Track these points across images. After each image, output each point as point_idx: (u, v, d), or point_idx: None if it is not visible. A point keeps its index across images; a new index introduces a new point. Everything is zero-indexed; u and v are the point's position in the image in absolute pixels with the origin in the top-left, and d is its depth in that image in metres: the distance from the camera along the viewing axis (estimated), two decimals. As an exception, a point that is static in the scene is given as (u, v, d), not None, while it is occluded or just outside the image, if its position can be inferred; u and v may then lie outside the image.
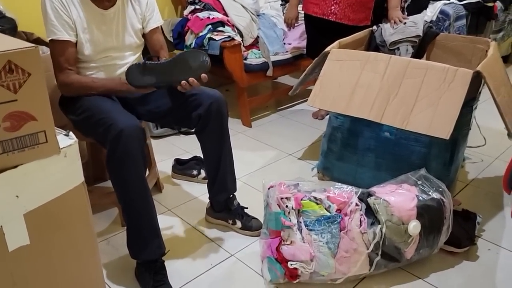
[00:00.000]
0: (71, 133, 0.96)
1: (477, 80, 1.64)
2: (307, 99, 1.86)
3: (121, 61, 1.61)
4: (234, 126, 2.71)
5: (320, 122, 2.76)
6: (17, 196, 0.84)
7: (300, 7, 2.64)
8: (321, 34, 2.40)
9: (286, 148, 2.46)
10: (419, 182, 1.59)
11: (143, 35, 1.68)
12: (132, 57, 1.65)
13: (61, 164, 0.91)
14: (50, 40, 1.47)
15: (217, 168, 1.65)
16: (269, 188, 1.53)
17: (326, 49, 1.93)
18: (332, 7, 2.35)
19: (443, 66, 1.64)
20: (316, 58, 1.97)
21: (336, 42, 2.01)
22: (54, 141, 0.88)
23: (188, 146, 2.39)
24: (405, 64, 1.72)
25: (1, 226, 0.82)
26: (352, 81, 1.79)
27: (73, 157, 0.94)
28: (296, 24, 3.12)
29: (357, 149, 1.94)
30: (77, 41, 1.50)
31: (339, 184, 1.54)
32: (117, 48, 1.59)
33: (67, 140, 0.94)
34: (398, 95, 1.69)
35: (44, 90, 0.84)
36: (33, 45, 0.80)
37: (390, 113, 1.67)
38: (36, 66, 0.81)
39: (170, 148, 2.41)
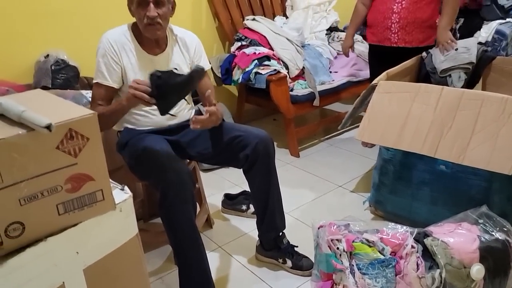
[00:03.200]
0: (126, 188, 1.00)
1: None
2: (357, 125, 1.83)
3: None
4: (282, 156, 2.72)
5: (371, 150, 2.69)
6: (77, 252, 0.89)
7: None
8: (382, 61, 2.36)
9: (336, 179, 2.42)
10: (480, 221, 1.48)
11: None
12: (182, 100, 1.71)
13: (117, 219, 0.95)
14: (95, 82, 1.57)
15: (265, 206, 1.66)
16: (319, 228, 1.50)
17: (374, 81, 1.90)
18: (384, 33, 2.33)
19: (501, 97, 1.55)
20: (364, 91, 1.95)
21: (384, 73, 1.97)
22: (110, 198, 0.93)
23: (237, 179, 2.42)
24: (458, 95, 1.64)
25: (63, 282, 0.87)
26: (402, 114, 1.74)
27: (128, 211, 0.98)
28: (342, 53, 3.12)
29: (410, 183, 1.87)
30: (121, 87, 1.59)
31: (392, 224, 1.48)
32: None
33: (122, 195, 0.98)
34: (452, 128, 1.61)
35: (101, 152, 0.89)
36: (91, 112, 0.85)
37: (445, 147, 1.60)
38: (94, 131, 0.86)
39: (219, 182, 2.46)
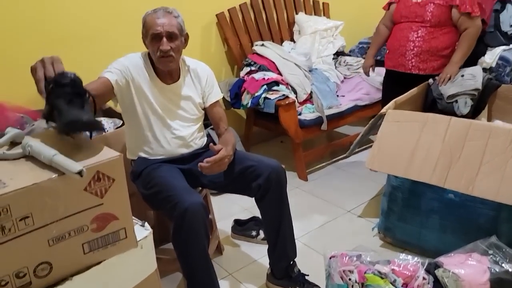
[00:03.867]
0: (146, 224, 1.04)
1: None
2: (364, 148, 1.86)
3: (182, 133, 1.71)
4: (290, 180, 2.70)
5: (378, 174, 2.69)
6: (101, 289, 0.92)
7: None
8: (396, 85, 2.41)
9: (345, 203, 2.44)
10: (490, 252, 1.50)
11: (204, 108, 1.79)
12: (193, 127, 1.75)
13: (138, 256, 0.98)
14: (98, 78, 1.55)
15: (276, 235, 1.68)
16: (330, 258, 1.52)
17: (382, 110, 1.93)
18: (400, 59, 2.38)
19: (508, 129, 1.59)
20: (372, 119, 1.98)
21: (392, 102, 2.01)
22: (132, 236, 0.96)
23: (247, 203, 2.44)
24: (466, 125, 1.68)
25: (88, 319, 0.90)
26: (411, 143, 1.77)
27: (148, 247, 1.01)
28: (349, 77, 3.18)
29: (419, 210, 1.89)
30: (126, 106, 1.62)
31: (404, 254, 1.50)
32: (177, 118, 1.69)
33: (143, 231, 1.02)
34: (461, 158, 1.64)
35: (125, 192, 0.93)
36: (117, 154, 0.89)
37: (454, 177, 1.62)
38: (120, 172, 0.90)
39: (229, 206, 2.48)
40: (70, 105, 0.92)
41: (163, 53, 1.56)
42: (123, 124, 1.99)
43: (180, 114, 1.70)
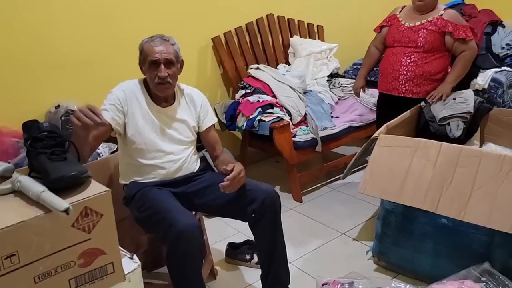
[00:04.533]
0: (135, 256, 1.04)
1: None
2: (358, 168, 1.86)
3: (176, 156, 1.72)
4: (285, 201, 2.74)
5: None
6: (87, 325, 0.91)
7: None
8: (389, 108, 2.43)
9: (339, 226, 2.43)
10: (483, 279, 1.50)
11: (198, 133, 1.81)
12: (188, 150, 1.77)
13: (126, 289, 0.98)
14: None
15: (270, 261, 1.68)
16: (323, 285, 1.52)
17: (374, 135, 1.95)
18: (393, 83, 2.40)
19: (498, 155, 1.60)
20: (365, 144, 2.00)
21: (384, 126, 2.03)
22: (120, 270, 0.96)
23: (241, 226, 2.43)
24: (457, 151, 1.69)
25: None
26: (403, 168, 1.78)
27: (137, 280, 1.01)
28: (344, 98, 3.21)
29: (413, 235, 1.89)
30: (125, 135, 1.63)
31: (396, 281, 1.50)
32: (172, 142, 1.70)
33: (131, 264, 1.02)
34: (452, 184, 1.65)
35: (113, 226, 0.93)
36: (105, 189, 0.90)
37: (446, 203, 1.63)
38: (108, 207, 0.91)
39: (223, 228, 2.47)
40: (53, 160, 0.92)
41: (161, 79, 1.59)
42: (117, 149, 2.01)
43: (175, 137, 1.72)
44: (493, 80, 2.85)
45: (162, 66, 1.59)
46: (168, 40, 1.64)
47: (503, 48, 3.06)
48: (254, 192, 1.64)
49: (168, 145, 1.70)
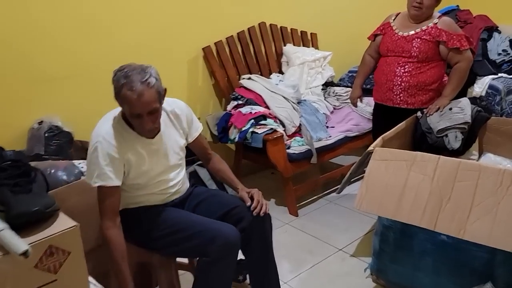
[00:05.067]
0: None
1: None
2: (355, 180, 1.80)
3: (172, 182, 1.66)
4: (280, 215, 2.66)
5: (370, 208, 2.64)
6: None
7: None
8: (385, 119, 2.38)
9: (337, 241, 2.36)
10: (486, 301, 1.42)
11: (188, 144, 1.73)
12: (181, 173, 1.71)
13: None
14: (98, 187, 1.47)
15: (262, 283, 1.62)
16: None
17: (370, 148, 1.88)
18: (387, 93, 2.34)
19: (497, 169, 1.53)
20: (360, 157, 1.93)
21: (380, 139, 1.96)
22: (92, 311, 0.89)
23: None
24: (455, 165, 1.62)
25: None
26: (400, 183, 1.71)
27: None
28: (339, 107, 3.15)
29: (412, 252, 1.81)
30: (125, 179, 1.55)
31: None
32: (167, 170, 1.63)
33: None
34: (451, 200, 1.58)
35: (83, 263, 0.86)
36: (73, 224, 0.83)
37: (445, 220, 1.56)
38: (76, 244, 0.84)
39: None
40: (15, 193, 0.83)
41: (148, 130, 1.49)
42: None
43: (169, 164, 1.63)
44: (491, 87, 2.80)
45: (146, 117, 1.43)
46: (147, 81, 1.40)
47: (499, 54, 3.01)
48: (243, 209, 1.58)
49: (163, 174, 1.62)
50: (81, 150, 2.27)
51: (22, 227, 0.81)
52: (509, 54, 3.00)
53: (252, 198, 1.61)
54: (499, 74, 2.86)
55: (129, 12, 2.53)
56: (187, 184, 1.77)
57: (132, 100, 1.39)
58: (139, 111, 1.41)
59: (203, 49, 2.88)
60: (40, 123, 2.18)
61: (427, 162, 1.69)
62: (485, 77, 2.83)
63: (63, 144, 2.18)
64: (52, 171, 1.81)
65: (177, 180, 1.67)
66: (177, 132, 1.67)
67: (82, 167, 1.92)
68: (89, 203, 1.72)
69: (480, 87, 2.79)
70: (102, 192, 1.48)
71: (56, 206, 0.85)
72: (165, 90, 1.51)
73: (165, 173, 1.62)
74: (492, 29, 3.11)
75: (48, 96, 2.32)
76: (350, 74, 3.57)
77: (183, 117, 1.68)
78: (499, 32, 3.13)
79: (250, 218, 1.56)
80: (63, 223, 0.83)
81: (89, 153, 1.48)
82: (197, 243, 1.46)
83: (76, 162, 1.95)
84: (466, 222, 1.51)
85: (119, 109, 1.52)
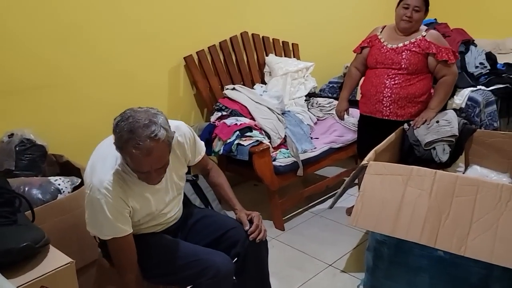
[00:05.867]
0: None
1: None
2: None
3: (171, 213, 1.57)
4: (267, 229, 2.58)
5: (357, 221, 2.60)
6: None
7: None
8: (372, 131, 2.36)
9: (326, 256, 2.30)
10: (488, 319, 1.39)
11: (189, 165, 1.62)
12: (180, 202, 1.62)
13: None
14: (111, 239, 1.34)
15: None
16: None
17: (364, 162, 1.84)
18: (376, 105, 2.32)
19: (496, 184, 1.52)
20: (353, 171, 1.89)
21: (372, 152, 1.93)
22: None
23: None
24: (453, 180, 1.60)
25: None
26: (396, 198, 1.67)
27: None
28: (322, 118, 3.12)
29: (407, 268, 1.77)
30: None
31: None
32: (168, 204, 1.53)
33: None
34: (450, 216, 1.55)
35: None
36: (68, 261, 0.72)
37: (445, 237, 1.53)
38: (71, 282, 0.73)
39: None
40: (0, 225, 0.71)
41: (154, 184, 1.37)
42: (81, 183, 1.80)
43: (172, 198, 1.54)
44: (470, 99, 2.85)
45: (154, 173, 1.29)
46: (157, 136, 1.21)
47: (477, 67, 3.08)
48: (238, 232, 1.49)
49: (166, 209, 1.53)
50: (55, 164, 2.13)
51: (9, 265, 0.69)
52: (486, 67, 3.08)
53: (251, 222, 1.53)
54: (478, 87, 2.92)
55: (109, 20, 2.40)
56: (180, 213, 1.65)
57: (139, 159, 1.22)
58: (146, 169, 1.26)
59: (184, 58, 2.78)
60: (11, 135, 2.01)
61: (424, 176, 1.66)
62: (465, 89, 2.88)
63: (36, 158, 2.02)
64: (26, 189, 1.67)
65: (176, 210, 1.59)
66: (179, 163, 1.52)
67: (59, 184, 1.78)
68: (69, 223, 1.59)
69: (460, 99, 2.84)
70: (117, 243, 1.36)
71: (47, 239, 0.74)
72: (173, 135, 1.34)
73: (165, 208, 1.53)
74: (469, 42, 3.19)
75: (19, 107, 2.15)
76: (330, 85, 3.57)
77: (187, 145, 1.52)
78: (475, 46, 3.21)
79: (245, 242, 1.49)
80: (56, 259, 0.73)
81: (92, 203, 1.31)
82: (188, 274, 1.39)
83: (52, 178, 1.80)
84: (466, 238, 1.49)
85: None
